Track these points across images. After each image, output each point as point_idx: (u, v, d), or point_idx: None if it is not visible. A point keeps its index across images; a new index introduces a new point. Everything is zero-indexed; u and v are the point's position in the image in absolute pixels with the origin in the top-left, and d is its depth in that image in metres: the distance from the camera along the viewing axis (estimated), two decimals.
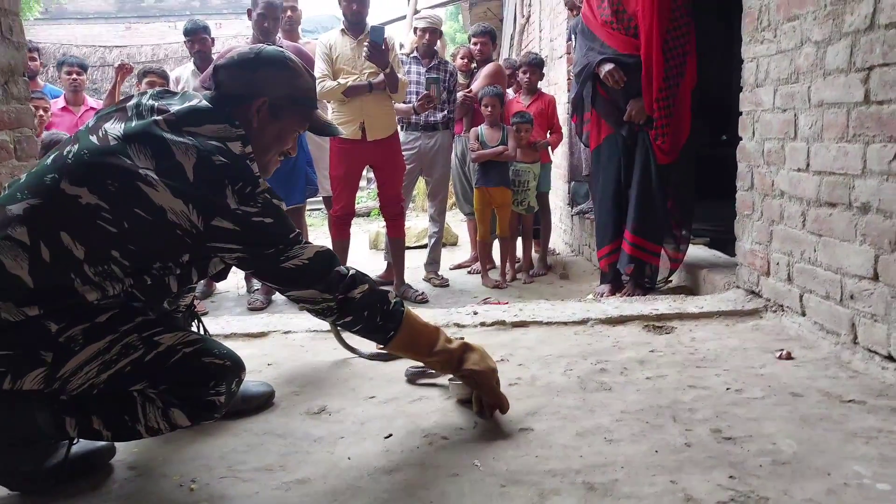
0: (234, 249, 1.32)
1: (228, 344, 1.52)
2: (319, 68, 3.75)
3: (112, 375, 1.24)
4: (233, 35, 13.17)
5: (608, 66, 3.10)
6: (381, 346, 1.54)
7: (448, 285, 4.44)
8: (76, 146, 1.28)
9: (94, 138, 1.28)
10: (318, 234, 4.95)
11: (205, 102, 1.37)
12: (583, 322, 2.41)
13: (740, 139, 2.74)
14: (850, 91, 1.98)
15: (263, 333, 2.37)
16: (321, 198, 4.71)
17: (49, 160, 1.28)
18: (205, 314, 3.98)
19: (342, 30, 3.82)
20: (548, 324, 2.40)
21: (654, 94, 3.06)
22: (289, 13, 4.35)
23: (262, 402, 1.73)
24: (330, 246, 4.64)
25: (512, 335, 2.29)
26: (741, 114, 2.72)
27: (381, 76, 3.70)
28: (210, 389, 1.29)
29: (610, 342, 2.21)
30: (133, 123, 1.29)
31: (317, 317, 1.46)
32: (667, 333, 2.30)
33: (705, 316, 2.45)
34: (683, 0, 3.07)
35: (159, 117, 1.30)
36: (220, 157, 1.28)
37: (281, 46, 3.96)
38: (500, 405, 1.59)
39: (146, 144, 1.26)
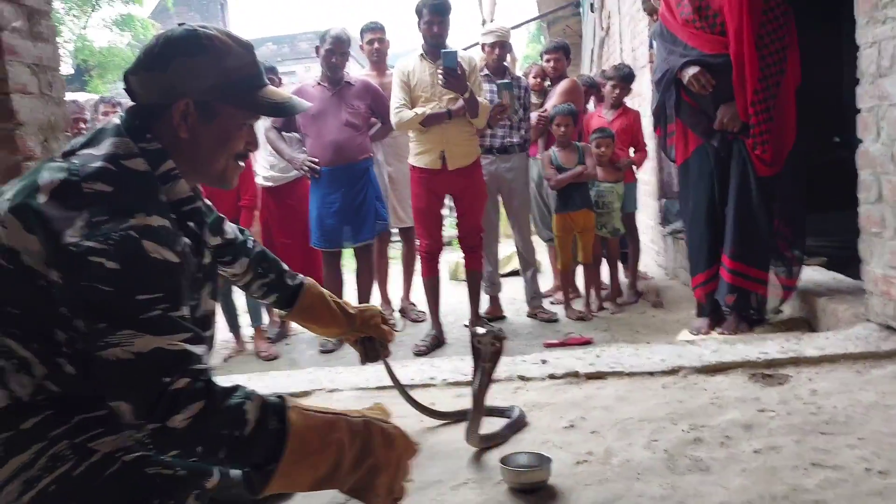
0: (70, 312, 0.95)
1: None
2: (396, 97, 3.57)
3: (35, 498, 0.97)
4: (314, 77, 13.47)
5: (692, 70, 2.72)
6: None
7: (557, 320, 4.05)
8: None
9: None
10: (397, 267, 4.76)
11: (115, 121, 1.11)
12: (673, 372, 2.02)
13: (860, 142, 2.27)
14: None
15: (307, 392, 2.13)
16: (397, 230, 4.53)
17: None
18: (276, 358, 3.86)
19: (421, 55, 3.60)
20: (630, 374, 2.03)
21: (748, 96, 2.64)
22: (375, 45, 4.21)
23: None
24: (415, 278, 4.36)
25: (585, 391, 1.94)
26: (859, 111, 2.26)
27: (461, 102, 3.47)
28: None
29: (707, 398, 1.82)
30: None
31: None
32: (779, 385, 1.88)
33: (828, 360, 2.00)
34: None
35: (58, 154, 1.08)
36: (95, 184, 0.98)
37: (349, 81, 3.83)
38: None
39: (18, 181, 1.02)
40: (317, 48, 3.84)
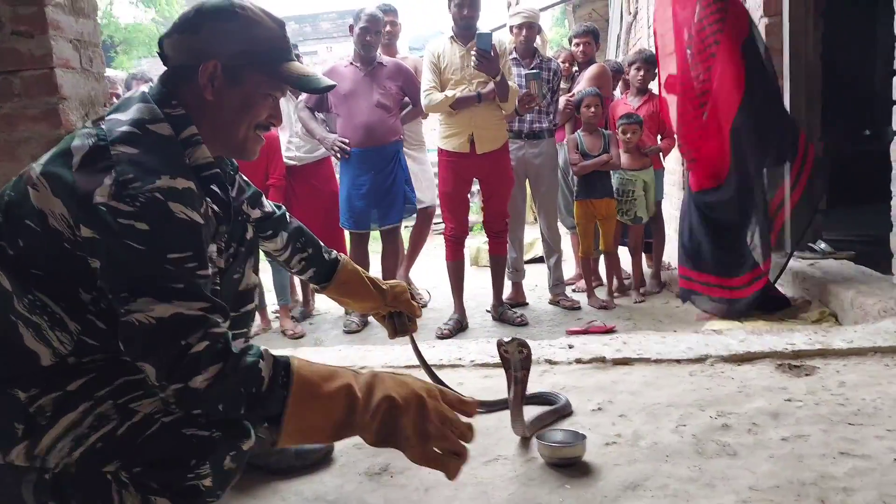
0: (99, 272, 0.99)
1: None
2: (426, 79, 3.58)
3: (84, 453, 1.01)
4: (341, 57, 13.48)
5: None
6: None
7: (579, 308, 4.07)
8: None
9: None
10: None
11: (142, 89, 1.15)
12: (700, 360, 2.03)
13: (894, 134, 2.26)
14: None
15: None
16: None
17: None
18: (301, 336, 3.92)
19: (451, 37, 3.61)
20: (657, 361, 2.05)
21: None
22: (388, 28, 4.21)
23: (319, 458, 1.53)
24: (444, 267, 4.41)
25: (611, 376, 1.97)
26: (895, 103, 2.24)
27: (491, 85, 3.48)
28: (190, 471, 1.00)
29: (734, 386, 1.84)
30: None
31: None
32: (807, 375, 1.89)
33: (856, 353, 2.00)
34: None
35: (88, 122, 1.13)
36: (123, 147, 1.01)
37: (381, 62, 3.85)
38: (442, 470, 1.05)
39: (55, 148, 1.07)
40: (350, 27, 3.84)
